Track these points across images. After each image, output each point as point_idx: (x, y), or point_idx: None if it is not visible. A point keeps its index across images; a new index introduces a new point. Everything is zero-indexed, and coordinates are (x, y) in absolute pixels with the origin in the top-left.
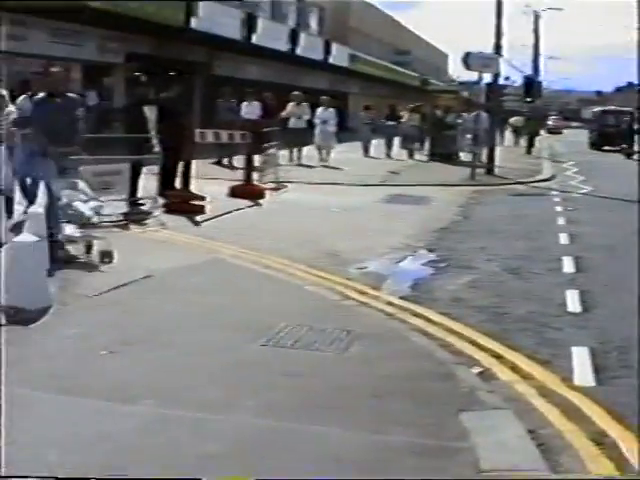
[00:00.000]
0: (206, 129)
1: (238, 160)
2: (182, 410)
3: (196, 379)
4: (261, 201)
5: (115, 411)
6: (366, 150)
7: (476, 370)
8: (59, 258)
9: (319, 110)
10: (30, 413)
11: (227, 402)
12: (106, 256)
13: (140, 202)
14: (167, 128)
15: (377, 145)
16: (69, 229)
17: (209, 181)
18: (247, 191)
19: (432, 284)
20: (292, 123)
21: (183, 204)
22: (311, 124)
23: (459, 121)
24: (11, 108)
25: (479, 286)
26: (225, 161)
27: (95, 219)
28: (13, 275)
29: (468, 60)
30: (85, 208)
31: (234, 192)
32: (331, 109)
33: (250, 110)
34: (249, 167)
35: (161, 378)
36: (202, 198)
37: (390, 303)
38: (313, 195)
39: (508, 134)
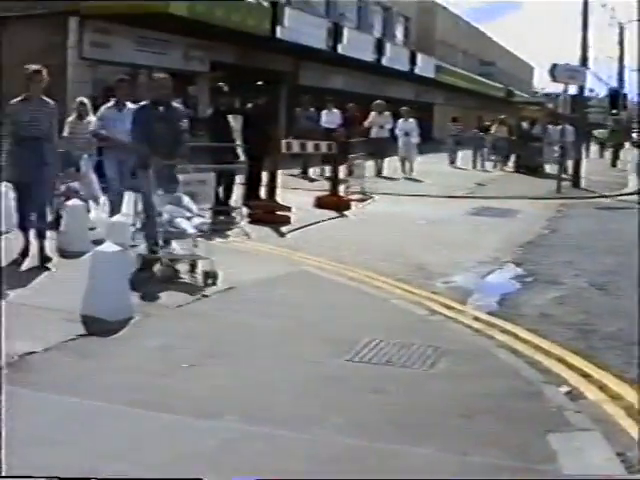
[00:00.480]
0: (289, 139)
1: (315, 171)
2: (265, 427)
3: (279, 394)
4: (347, 212)
5: (196, 427)
6: (452, 161)
7: (564, 389)
8: (160, 277)
9: (400, 121)
10: (108, 426)
11: (311, 419)
12: (211, 277)
13: (225, 212)
14: (253, 137)
15: (463, 157)
16: (173, 245)
17: (294, 191)
18: (333, 202)
19: (519, 299)
20: (374, 133)
21: (268, 214)
22: (393, 134)
23: (545, 133)
24: (91, 118)
25: (566, 302)
26: (311, 172)
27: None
28: (93, 284)
29: (555, 72)
30: (188, 225)
31: (320, 203)
32: (411, 120)
33: (330, 119)
34: (335, 178)
35: (243, 393)
36: (288, 209)
37: (477, 318)
38: (399, 207)
39: (593, 146)
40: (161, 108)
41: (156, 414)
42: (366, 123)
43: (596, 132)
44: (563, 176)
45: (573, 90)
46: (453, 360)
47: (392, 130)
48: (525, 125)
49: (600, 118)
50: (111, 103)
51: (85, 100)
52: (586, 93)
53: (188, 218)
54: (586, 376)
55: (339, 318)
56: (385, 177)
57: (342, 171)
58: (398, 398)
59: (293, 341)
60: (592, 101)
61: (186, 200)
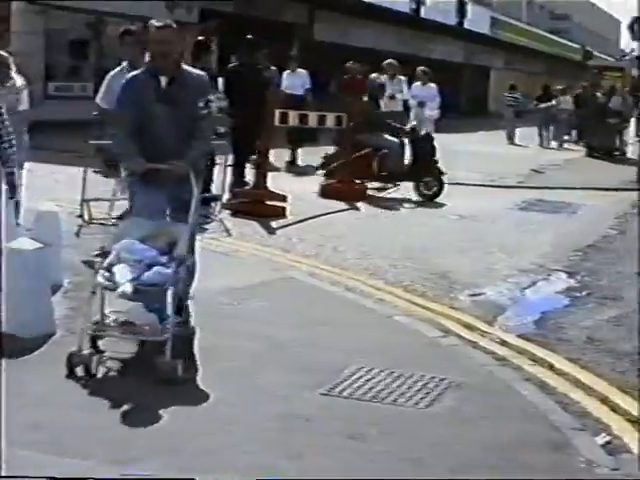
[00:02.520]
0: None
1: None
2: (196, 475)
3: (224, 437)
4: (360, 204)
5: (112, 471)
6: (510, 138)
7: (602, 439)
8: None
9: (414, 87)
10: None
11: (260, 466)
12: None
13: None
14: (239, 107)
15: (524, 134)
16: None
17: (295, 177)
18: (343, 191)
19: (564, 319)
20: (383, 104)
21: (257, 205)
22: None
23: (626, 106)
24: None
25: (625, 324)
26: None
27: None
28: (4, 291)
29: (636, 27)
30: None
31: (326, 192)
32: (432, 85)
33: (293, 82)
34: (347, 160)
35: (183, 434)
36: (282, 198)
37: (504, 343)
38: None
39: None
40: (163, 80)
41: (63, 460)
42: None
43: None
44: None
45: None
46: (461, 397)
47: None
48: (600, 96)
49: None
50: (117, 69)
51: (3, 53)
52: None
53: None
54: (635, 422)
55: (323, 340)
56: None
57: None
58: (379, 446)
59: (260, 369)
60: None
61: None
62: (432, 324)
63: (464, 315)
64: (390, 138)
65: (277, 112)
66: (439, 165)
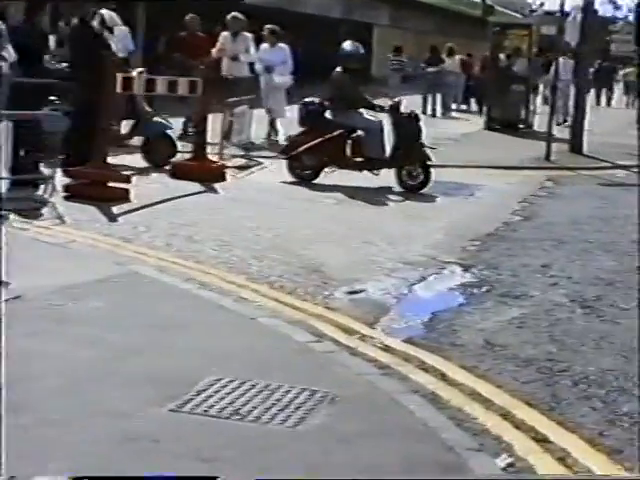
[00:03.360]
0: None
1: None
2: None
3: (56, 464)
4: (219, 185)
5: None
6: None
7: (502, 461)
8: None
9: (262, 47)
10: None
11: None
12: None
13: (28, 182)
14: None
15: (412, 103)
16: None
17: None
18: (197, 170)
19: (458, 320)
20: (225, 68)
21: (95, 187)
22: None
23: (532, 71)
24: None
25: (531, 325)
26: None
27: None
28: None
29: None
30: None
31: (178, 171)
32: (281, 45)
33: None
34: (202, 133)
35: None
36: (125, 179)
37: (388, 349)
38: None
39: (618, 92)
40: None
41: None
42: (214, 52)
43: (623, 72)
44: (557, 136)
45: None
46: (336, 413)
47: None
48: (502, 58)
49: (630, 51)
50: None
51: None
52: (609, 12)
53: None
54: (543, 441)
55: (174, 346)
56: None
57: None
58: (238, 471)
59: (97, 381)
60: (618, 25)
61: None
62: (303, 327)
63: (341, 316)
64: (368, 117)
65: (119, 77)
66: (426, 150)
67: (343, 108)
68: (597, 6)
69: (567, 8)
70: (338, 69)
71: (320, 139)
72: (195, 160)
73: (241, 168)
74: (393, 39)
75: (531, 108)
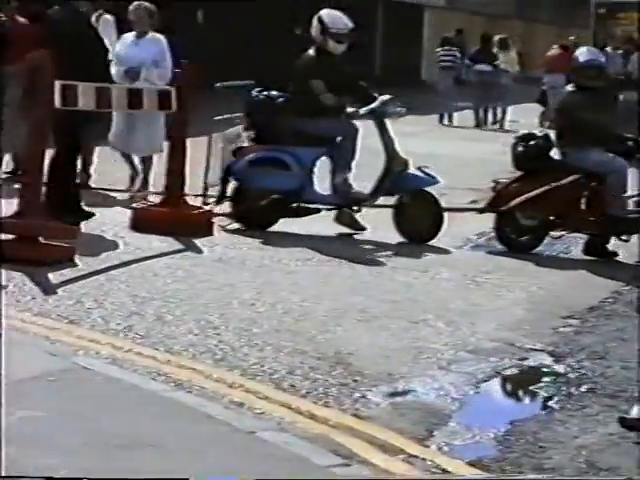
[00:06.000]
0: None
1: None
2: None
3: None
4: (202, 241)
5: None
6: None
7: None
8: None
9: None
10: None
11: None
12: None
13: None
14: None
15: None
16: None
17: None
18: (171, 219)
19: (547, 434)
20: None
21: (26, 245)
22: None
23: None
24: None
25: None
26: None
27: None
28: None
29: None
30: None
31: (141, 221)
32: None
33: None
34: (180, 166)
35: None
36: (71, 232)
37: (447, 474)
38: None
39: None
40: None
41: None
42: None
43: None
44: None
45: None
46: None
47: None
48: (611, 52)
49: None
50: None
51: None
52: None
53: None
54: None
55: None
56: None
57: None
58: None
59: None
60: None
61: None
62: (324, 444)
63: (378, 429)
64: (610, 156)
65: (58, 85)
66: None
67: (578, 144)
68: None
69: None
70: (569, 87)
71: (544, 188)
72: (167, 205)
73: (229, 216)
74: (450, 25)
75: None
